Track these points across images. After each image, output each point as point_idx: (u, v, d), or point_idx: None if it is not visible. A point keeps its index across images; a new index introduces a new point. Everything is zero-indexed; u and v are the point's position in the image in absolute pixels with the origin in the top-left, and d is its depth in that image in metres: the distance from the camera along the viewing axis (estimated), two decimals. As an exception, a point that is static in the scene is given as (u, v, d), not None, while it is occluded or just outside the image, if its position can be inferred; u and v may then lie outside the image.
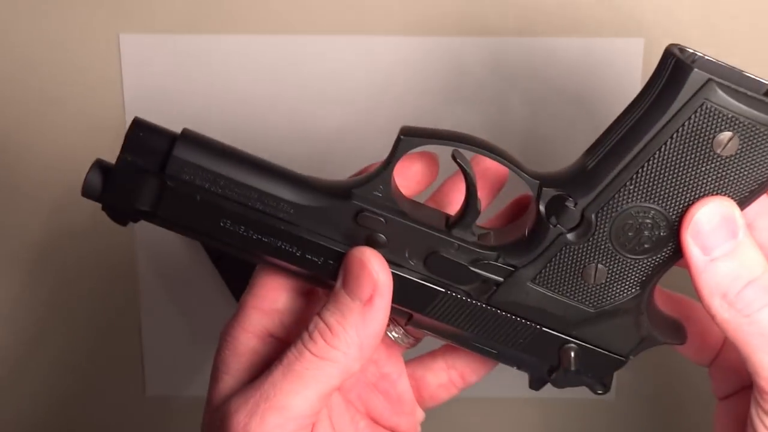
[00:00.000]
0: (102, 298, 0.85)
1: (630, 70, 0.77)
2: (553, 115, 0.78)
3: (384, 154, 0.49)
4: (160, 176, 0.47)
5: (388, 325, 0.56)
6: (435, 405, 0.60)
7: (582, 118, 0.78)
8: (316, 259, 0.49)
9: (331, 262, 0.49)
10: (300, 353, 0.49)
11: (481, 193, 0.52)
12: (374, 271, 0.48)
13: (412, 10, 0.76)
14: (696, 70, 0.44)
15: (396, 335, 0.58)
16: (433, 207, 0.53)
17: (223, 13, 0.77)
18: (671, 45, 0.45)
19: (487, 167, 0.53)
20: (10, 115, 0.80)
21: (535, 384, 0.53)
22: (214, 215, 0.47)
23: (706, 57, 0.44)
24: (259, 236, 0.48)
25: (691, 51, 0.45)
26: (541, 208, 0.47)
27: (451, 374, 0.59)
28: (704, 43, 0.77)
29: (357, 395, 0.58)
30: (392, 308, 0.49)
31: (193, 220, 0.48)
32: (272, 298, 0.53)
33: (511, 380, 0.80)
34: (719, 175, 0.45)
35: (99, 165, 0.48)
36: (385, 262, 0.49)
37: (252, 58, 0.78)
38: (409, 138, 0.47)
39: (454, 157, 0.48)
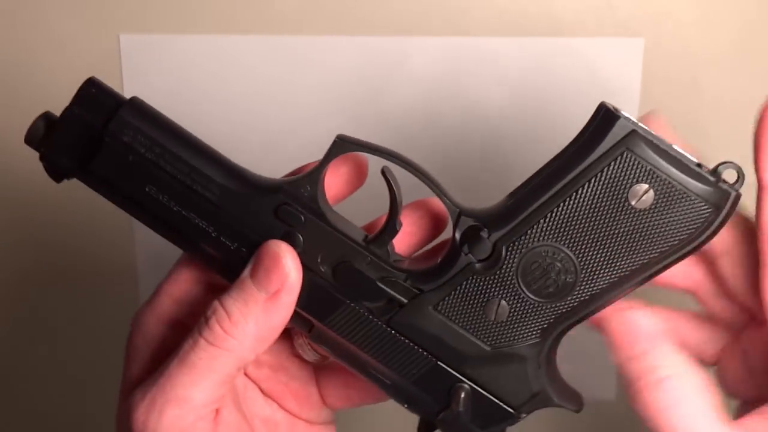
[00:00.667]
0: (102, 298, 0.85)
1: (630, 70, 0.77)
2: (552, 114, 0.78)
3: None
4: (101, 133, 0.48)
5: (298, 338, 0.57)
6: (340, 409, 0.60)
7: (581, 117, 0.78)
8: (230, 244, 0.49)
9: (244, 249, 0.49)
10: (195, 342, 0.49)
11: (416, 226, 0.53)
12: (287, 266, 0.48)
13: (418, 6, 0.77)
14: (622, 119, 0.45)
15: (302, 348, 0.58)
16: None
17: (222, 14, 0.77)
18: (605, 102, 0.47)
19: (429, 203, 0.53)
20: (10, 114, 0.80)
21: (423, 427, 0.53)
22: (142, 179, 0.48)
23: (640, 124, 0.45)
24: (180, 209, 0.49)
25: (627, 114, 0.46)
26: (457, 235, 0.48)
27: (348, 392, 0.59)
28: (704, 42, 0.77)
29: (269, 388, 0.58)
30: (295, 312, 0.49)
31: (122, 179, 0.49)
32: (186, 288, 0.53)
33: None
34: (631, 227, 0.45)
35: (46, 116, 0.50)
36: (299, 260, 0.49)
37: (252, 59, 0.78)
38: (344, 143, 0.48)
39: (383, 172, 0.49)
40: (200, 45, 0.78)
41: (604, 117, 0.46)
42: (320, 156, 0.49)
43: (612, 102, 0.47)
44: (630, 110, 0.54)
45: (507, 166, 0.80)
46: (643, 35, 0.77)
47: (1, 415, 0.89)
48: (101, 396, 0.88)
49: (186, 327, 0.52)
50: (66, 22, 0.77)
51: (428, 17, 0.77)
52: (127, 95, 0.79)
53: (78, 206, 0.82)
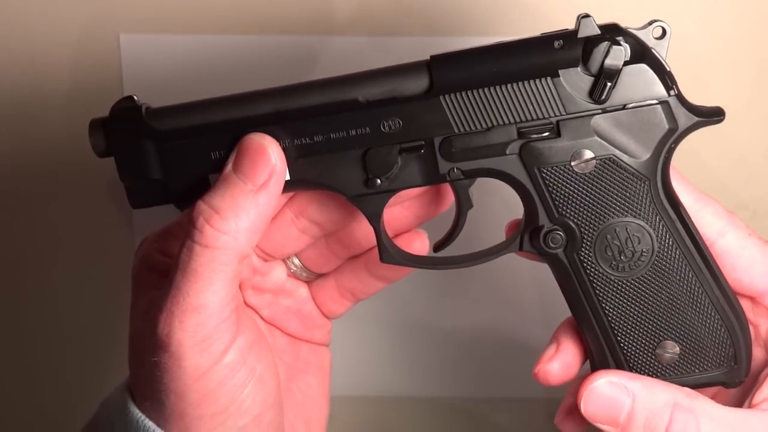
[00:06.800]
0: (102, 297, 0.85)
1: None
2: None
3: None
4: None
5: (288, 259, 0.60)
6: (338, 317, 0.63)
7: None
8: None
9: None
10: (190, 249, 0.50)
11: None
12: (273, 157, 0.50)
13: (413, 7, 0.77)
14: None
15: (294, 269, 0.61)
16: None
17: (223, 13, 0.77)
18: None
19: None
20: (9, 115, 0.80)
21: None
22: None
23: None
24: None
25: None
26: None
27: (341, 291, 0.62)
28: (704, 42, 0.77)
29: (271, 314, 0.60)
30: None
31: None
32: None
33: (518, 380, 0.81)
34: None
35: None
36: (281, 150, 0.51)
37: (252, 58, 0.78)
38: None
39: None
40: (200, 45, 0.78)
41: None
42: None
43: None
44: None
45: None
46: (643, 35, 0.77)
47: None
48: (101, 395, 0.88)
49: None
50: (66, 22, 0.77)
51: (428, 17, 0.77)
52: (127, 95, 0.79)
53: (79, 205, 0.82)
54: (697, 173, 0.60)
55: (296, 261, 0.61)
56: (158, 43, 0.78)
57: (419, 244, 0.59)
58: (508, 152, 0.51)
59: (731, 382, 0.54)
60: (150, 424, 0.53)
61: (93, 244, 0.83)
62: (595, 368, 0.54)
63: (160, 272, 0.55)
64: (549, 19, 0.76)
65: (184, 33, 0.78)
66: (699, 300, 0.52)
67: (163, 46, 0.78)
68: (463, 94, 0.51)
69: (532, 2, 0.76)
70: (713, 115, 0.52)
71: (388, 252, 0.54)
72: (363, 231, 0.59)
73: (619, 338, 0.53)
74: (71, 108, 0.80)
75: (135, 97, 0.54)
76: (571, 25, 0.55)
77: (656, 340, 0.52)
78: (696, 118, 0.51)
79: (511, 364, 0.82)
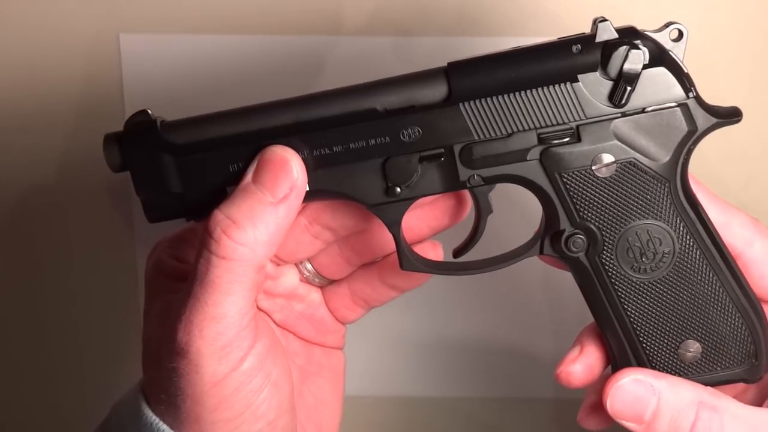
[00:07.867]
0: (102, 297, 0.85)
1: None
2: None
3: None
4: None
5: (301, 264, 0.61)
6: (351, 322, 0.63)
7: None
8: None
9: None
10: (207, 261, 0.50)
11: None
12: (295, 170, 0.50)
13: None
14: None
15: (307, 274, 0.61)
16: None
17: (223, 13, 0.77)
18: None
19: None
20: (10, 115, 0.80)
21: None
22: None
23: None
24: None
25: None
26: None
27: (354, 299, 0.62)
28: (704, 42, 0.77)
29: (283, 318, 0.60)
30: None
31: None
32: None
33: (526, 381, 0.81)
34: None
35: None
36: (303, 164, 0.51)
37: (253, 58, 0.78)
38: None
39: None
40: (200, 45, 0.78)
41: None
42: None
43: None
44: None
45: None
46: (643, 35, 0.77)
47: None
48: (101, 396, 0.88)
49: None
50: (66, 22, 0.77)
51: (427, 18, 0.77)
52: (127, 95, 0.79)
53: (79, 206, 0.82)
54: (698, 173, 0.60)
55: (309, 266, 0.61)
56: (158, 43, 0.78)
57: (434, 255, 0.59)
58: (528, 158, 0.52)
59: (752, 378, 0.54)
60: (164, 427, 0.53)
61: (96, 249, 0.83)
62: (616, 369, 0.55)
63: (172, 277, 0.55)
64: (561, 17, 0.76)
65: (184, 33, 0.77)
66: (719, 299, 0.53)
67: (163, 46, 0.78)
68: (483, 101, 0.51)
69: (536, 2, 0.76)
70: (731, 116, 0.52)
71: (408, 259, 0.54)
72: (377, 239, 0.59)
73: (641, 339, 0.53)
74: (70, 107, 0.79)
75: (149, 111, 0.54)
76: (572, 23, 0.55)
77: (678, 339, 0.53)
78: (714, 119, 0.52)
79: (519, 366, 0.82)
